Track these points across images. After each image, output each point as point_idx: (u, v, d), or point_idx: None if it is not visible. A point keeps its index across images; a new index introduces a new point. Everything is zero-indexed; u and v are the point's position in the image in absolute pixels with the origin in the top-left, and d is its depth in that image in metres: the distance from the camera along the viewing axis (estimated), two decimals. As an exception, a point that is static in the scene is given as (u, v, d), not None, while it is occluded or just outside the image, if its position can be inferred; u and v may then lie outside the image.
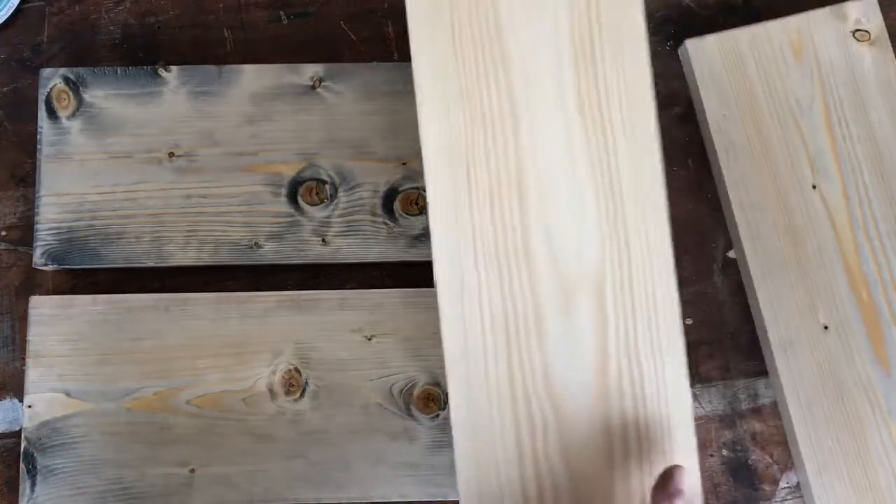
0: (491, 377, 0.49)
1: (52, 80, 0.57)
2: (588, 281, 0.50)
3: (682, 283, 0.59)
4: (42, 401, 0.55)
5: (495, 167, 0.50)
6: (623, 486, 0.48)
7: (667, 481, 0.45)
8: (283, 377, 0.55)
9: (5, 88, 0.60)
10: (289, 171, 0.57)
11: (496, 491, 0.48)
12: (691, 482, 0.48)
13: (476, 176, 0.50)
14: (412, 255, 0.57)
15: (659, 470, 0.48)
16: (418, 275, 0.58)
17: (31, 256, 0.57)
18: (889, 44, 0.59)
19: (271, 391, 0.55)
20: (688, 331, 0.59)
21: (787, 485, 0.57)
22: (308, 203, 0.57)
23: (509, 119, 0.50)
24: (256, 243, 0.56)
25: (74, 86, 0.58)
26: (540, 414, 0.49)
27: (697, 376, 0.58)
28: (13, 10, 0.60)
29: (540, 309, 0.49)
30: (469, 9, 0.51)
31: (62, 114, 0.57)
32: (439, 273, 0.50)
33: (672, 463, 0.48)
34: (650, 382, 0.49)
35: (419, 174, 0.57)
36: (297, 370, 0.55)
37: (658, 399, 0.49)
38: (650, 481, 0.48)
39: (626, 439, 0.48)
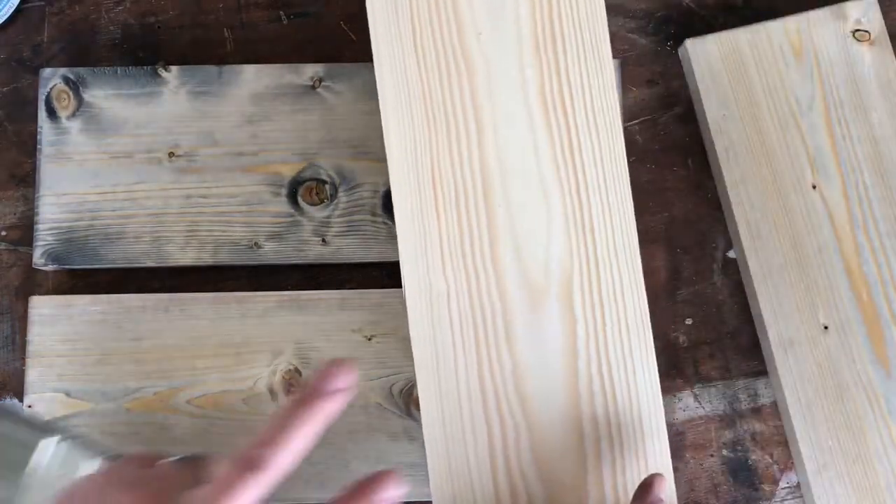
0: (462, 384, 0.49)
1: (52, 80, 0.57)
2: (556, 282, 0.50)
3: (682, 283, 0.59)
4: (42, 401, 0.55)
5: (460, 170, 0.50)
6: (597, 491, 0.48)
7: (646, 492, 0.45)
8: (283, 377, 0.55)
9: (5, 88, 0.60)
10: (289, 171, 0.57)
11: (469, 497, 0.48)
12: (669, 488, 0.48)
13: (441, 180, 0.50)
14: (412, 255, 0.57)
15: (633, 474, 0.48)
16: (418, 275, 0.58)
17: (30, 256, 0.57)
18: (889, 44, 0.59)
19: (271, 391, 0.55)
20: (687, 331, 0.59)
21: (787, 485, 0.57)
22: (308, 203, 0.57)
23: (473, 121, 0.51)
24: (256, 243, 0.56)
25: (74, 86, 0.58)
26: (511, 419, 0.49)
27: (697, 376, 0.58)
28: (13, 10, 0.60)
29: (509, 312, 0.49)
30: (429, 9, 0.51)
31: (62, 114, 0.57)
32: (407, 279, 0.50)
33: (645, 465, 0.48)
34: (620, 385, 0.49)
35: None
36: (297, 370, 0.55)
37: (629, 402, 0.49)
38: (624, 486, 0.48)
39: (598, 443, 0.48)
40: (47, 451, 0.43)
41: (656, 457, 0.49)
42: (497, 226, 0.50)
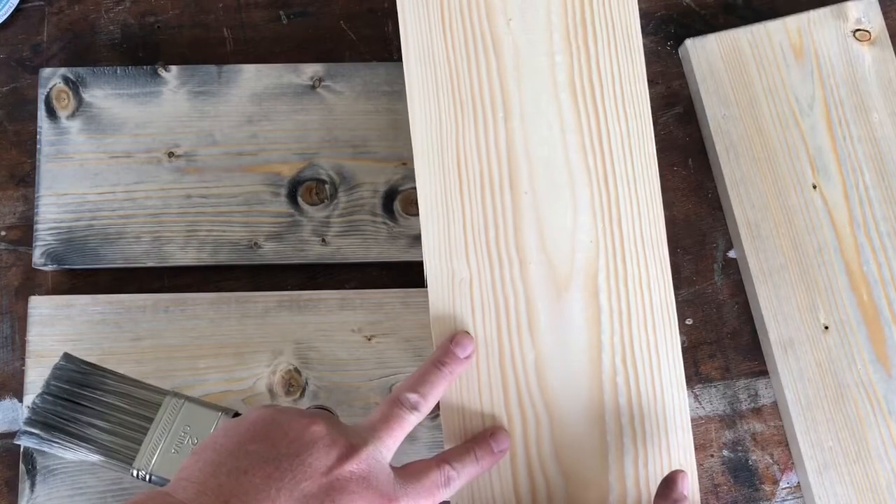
0: (482, 374, 0.48)
1: (52, 79, 0.57)
2: (581, 271, 0.49)
3: (682, 283, 0.59)
4: (42, 401, 0.55)
5: (486, 155, 0.49)
6: (619, 486, 0.47)
7: (670, 488, 0.45)
8: (282, 377, 0.55)
9: (5, 88, 0.60)
10: (289, 171, 0.57)
11: (488, 491, 0.47)
12: (692, 484, 0.47)
13: (467, 164, 0.49)
14: (412, 255, 0.57)
15: (656, 468, 0.47)
16: (418, 275, 0.58)
17: (30, 256, 0.57)
18: (889, 43, 0.59)
19: (271, 391, 0.55)
20: (688, 331, 0.59)
21: (787, 485, 0.57)
22: (308, 203, 0.57)
23: (500, 106, 0.50)
24: (256, 243, 0.56)
25: (74, 85, 0.57)
26: (532, 411, 0.47)
27: (697, 376, 0.58)
28: (13, 9, 0.60)
29: (532, 301, 0.48)
30: None
31: (62, 113, 0.57)
32: (430, 266, 0.49)
33: (668, 460, 0.47)
34: (645, 378, 0.48)
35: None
36: (296, 370, 0.55)
37: (654, 396, 0.48)
38: (646, 480, 0.47)
39: (621, 437, 0.48)
40: (171, 406, 0.49)
41: (680, 451, 0.48)
42: (522, 212, 0.49)
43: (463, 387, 0.48)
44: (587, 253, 0.49)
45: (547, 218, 0.49)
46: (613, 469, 0.47)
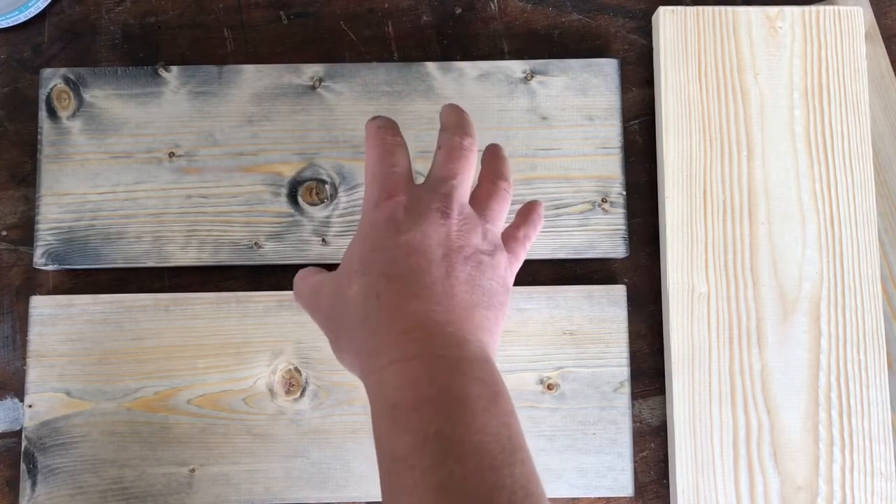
0: (714, 379, 0.55)
1: (53, 80, 0.57)
2: (806, 297, 0.55)
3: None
4: (43, 400, 0.55)
5: (729, 186, 0.56)
6: (827, 488, 0.54)
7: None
8: (283, 377, 0.55)
9: (5, 88, 0.60)
10: (289, 171, 0.57)
11: (711, 486, 0.54)
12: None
13: (712, 192, 0.56)
14: (412, 255, 0.56)
15: (859, 475, 0.54)
16: (418, 275, 0.58)
17: (31, 256, 0.57)
18: (881, 38, 0.59)
19: (271, 391, 0.55)
20: None
21: None
22: (308, 203, 0.57)
23: (745, 146, 0.57)
24: (256, 243, 0.57)
25: (75, 86, 0.58)
26: (756, 416, 0.54)
27: None
28: (41, 9, 0.60)
29: (762, 319, 0.55)
30: (715, 49, 0.58)
31: (62, 114, 0.57)
32: (671, 278, 0.56)
33: (871, 467, 0.53)
34: (855, 396, 0.55)
35: (418, 174, 0.57)
36: (297, 370, 0.55)
37: (861, 412, 0.54)
38: (851, 485, 0.54)
39: (831, 446, 0.54)
40: None
41: (882, 462, 0.54)
42: (758, 240, 0.56)
43: (695, 390, 0.55)
44: (812, 282, 0.56)
45: (779, 247, 0.56)
46: (823, 473, 0.54)
